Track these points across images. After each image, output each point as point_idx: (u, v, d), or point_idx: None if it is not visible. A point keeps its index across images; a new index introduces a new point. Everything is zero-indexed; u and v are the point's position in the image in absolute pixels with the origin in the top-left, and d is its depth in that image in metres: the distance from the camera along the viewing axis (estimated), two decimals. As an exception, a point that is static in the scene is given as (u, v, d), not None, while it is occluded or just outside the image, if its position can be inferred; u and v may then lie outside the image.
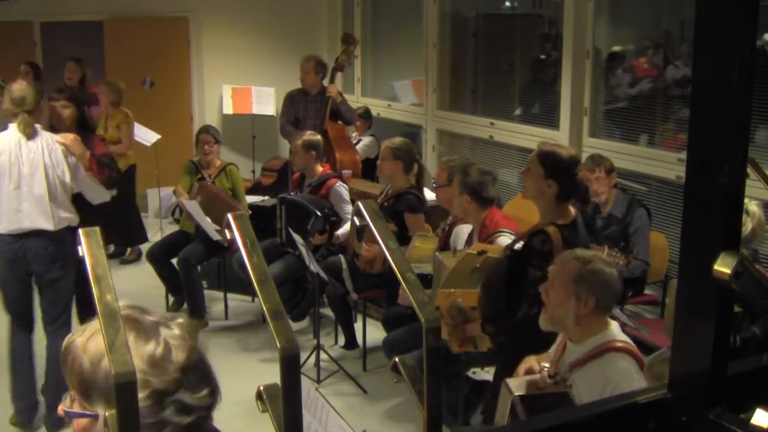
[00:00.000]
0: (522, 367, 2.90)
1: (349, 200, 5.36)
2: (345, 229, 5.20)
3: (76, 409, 1.28)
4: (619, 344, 2.67)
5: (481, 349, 3.31)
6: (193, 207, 5.43)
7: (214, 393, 1.28)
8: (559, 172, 3.21)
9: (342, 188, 5.36)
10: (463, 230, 4.25)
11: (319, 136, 5.58)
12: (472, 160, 6.31)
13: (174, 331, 1.27)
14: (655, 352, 2.94)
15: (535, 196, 3.34)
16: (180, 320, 1.32)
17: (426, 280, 4.02)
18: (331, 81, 6.66)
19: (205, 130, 5.80)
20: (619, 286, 2.76)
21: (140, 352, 1.24)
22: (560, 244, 3.13)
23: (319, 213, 5.03)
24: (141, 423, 1.21)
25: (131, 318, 1.27)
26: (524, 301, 3.15)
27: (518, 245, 3.35)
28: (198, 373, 1.26)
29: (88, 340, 1.28)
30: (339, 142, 6.49)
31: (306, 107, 6.55)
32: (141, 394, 1.21)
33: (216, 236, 5.37)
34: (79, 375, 1.26)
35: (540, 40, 6.68)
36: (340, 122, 6.62)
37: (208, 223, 5.35)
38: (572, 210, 3.31)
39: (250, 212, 5.73)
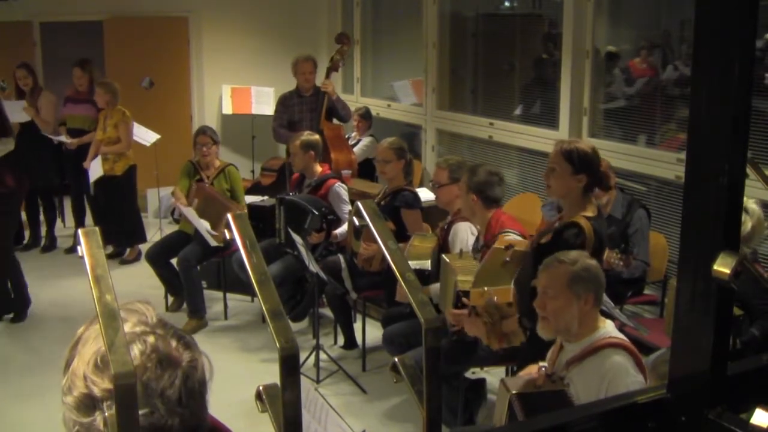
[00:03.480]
0: (523, 373, 2.92)
1: (348, 200, 5.36)
2: (343, 228, 5.20)
3: None
4: (614, 340, 2.69)
5: (515, 343, 3.35)
6: (190, 213, 5.44)
7: (158, 415, 1.21)
8: (587, 165, 3.29)
9: (341, 188, 5.37)
10: (461, 228, 4.26)
11: (317, 136, 5.58)
12: (471, 160, 6.34)
13: (134, 345, 1.22)
14: (656, 352, 2.95)
15: (564, 193, 3.39)
16: (151, 339, 1.25)
17: (423, 276, 4.04)
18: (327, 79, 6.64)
19: (203, 131, 5.77)
20: (604, 274, 2.84)
21: (92, 349, 1.23)
22: (592, 235, 3.20)
23: (315, 211, 5.03)
24: (75, 421, 1.20)
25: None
26: None
27: (543, 240, 3.38)
28: (141, 392, 1.19)
29: (83, 329, 1.28)
30: (335, 142, 6.48)
31: (301, 108, 6.53)
32: (76, 392, 1.20)
33: (213, 242, 5.37)
34: (66, 354, 1.28)
35: (539, 40, 6.68)
36: (335, 121, 6.60)
37: (204, 229, 5.36)
38: (594, 202, 3.39)
39: (245, 205, 5.75)
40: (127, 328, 1.25)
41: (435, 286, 4.06)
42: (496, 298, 3.22)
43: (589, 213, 3.30)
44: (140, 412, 1.19)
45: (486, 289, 3.26)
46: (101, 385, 1.19)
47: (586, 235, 3.19)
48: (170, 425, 1.22)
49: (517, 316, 3.23)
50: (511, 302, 3.21)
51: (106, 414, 1.18)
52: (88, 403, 1.20)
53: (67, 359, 1.26)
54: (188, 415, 1.24)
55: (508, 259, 3.33)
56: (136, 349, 1.23)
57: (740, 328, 3.37)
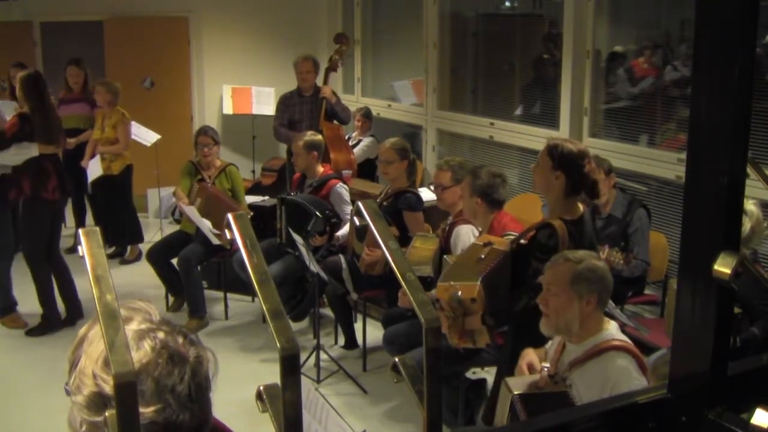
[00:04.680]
0: (523, 362, 2.89)
1: (349, 201, 5.36)
2: (345, 230, 5.20)
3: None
4: (617, 343, 2.68)
5: (480, 344, 3.32)
6: (192, 212, 5.44)
7: (170, 411, 1.22)
8: (566, 164, 3.26)
9: (342, 189, 5.36)
10: (464, 231, 4.25)
11: (320, 136, 5.58)
12: (472, 160, 6.34)
13: (144, 341, 1.24)
14: (657, 353, 2.95)
15: (544, 189, 3.39)
16: (161, 335, 1.26)
17: (425, 283, 4.02)
18: (325, 82, 6.66)
19: (204, 131, 5.78)
20: (612, 278, 2.81)
21: (100, 347, 1.24)
22: (566, 238, 3.16)
23: (319, 214, 5.02)
24: (83, 419, 1.22)
25: (124, 318, 1.27)
26: (525, 293, 3.17)
27: (523, 240, 3.36)
28: (152, 388, 1.21)
29: (86, 329, 1.29)
30: (334, 142, 6.49)
31: (302, 109, 6.53)
32: (86, 391, 1.21)
33: (215, 240, 5.37)
34: (69, 356, 1.29)
35: (539, 40, 6.68)
36: (335, 122, 6.61)
37: (207, 228, 5.36)
38: (580, 206, 3.36)
39: (251, 213, 5.74)
40: (134, 325, 1.26)
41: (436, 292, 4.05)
42: (460, 293, 3.16)
43: (568, 216, 3.27)
44: (153, 408, 1.21)
45: (451, 283, 3.20)
46: (111, 382, 1.20)
47: (559, 238, 3.15)
48: (181, 420, 1.23)
49: (479, 314, 3.17)
50: (475, 298, 3.14)
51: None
52: (99, 402, 1.21)
53: (73, 359, 1.27)
54: (197, 410, 1.26)
55: (483, 256, 3.29)
56: (146, 345, 1.24)
57: (739, 327, 3.37)
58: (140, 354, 1.24)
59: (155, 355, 1.24)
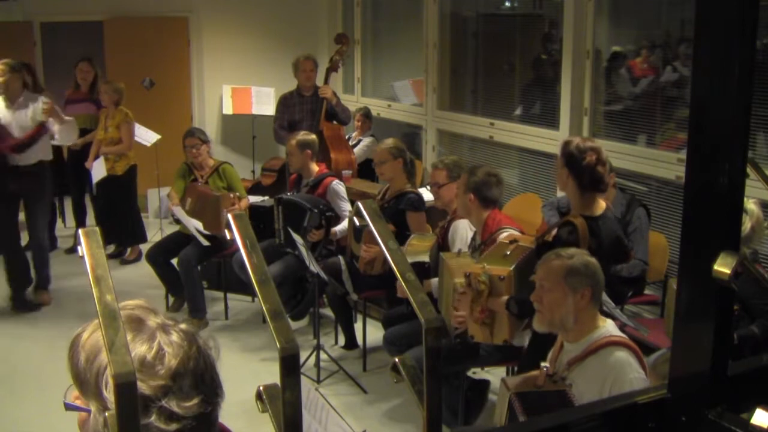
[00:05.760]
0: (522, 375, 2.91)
1: (346, 198, 5.37)
2: (343, 226, 5.20)
3: (75, 401, 1.29)
4: (615, 338, 2.69)
5: (496, 340, 3.35)
6: (180, 212, 5.45)
7: (207, 401, 1.24)
8: (569, 160, 3.35)
9: (339, 186, 5.37)
10: (461, 225, 4.25)
11: (313, 135, 5.58)
12: (472, 160, 6.34)
13: (172, 336, 1.25)
14: (656, 352, 2.95)
15: (563, 187, 3.50)
16: (183, 326, 1.28)
17: (423, 269, 4.04)
18: (326, 82, 6.66)
19: (190, 134, 5.77)
20: (603, 274, 2.84)
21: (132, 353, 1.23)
22: (586, 235, 3.21)
23: (313, 209, 5.03)
24: None
25: (135, 317, 1.27)
26: None
27: (548, 237, 3.39)
28: (191, 381, 1.23)
29: (89, 336, 1.28)
30: (334, 142, 6.49)
31: (302, 109, 6.53)
32: None
33: (204, 241, 5.38)
34: (75, 369, 1.27)
35: (539, 40, 6.68)
36: (335, 122, 6.61)
37: (194, 227, 5.36)
38: (602, 203, 3.41)
39: (247, 196, 5.75)
40: (152, 322, 1.27)
41: (435, 281, 4.07)
42: (492, 270, 3.27)
43: (588, 213, 3.32)
44: (196, 400, 1.21)
45: (485, 266, 3.32)
46: (150, 382, 1.20)
47: (579, 234, 3.20)
48: (211, 411, 1.25)
49: (505, 297, 3.24)
50: (503, 277, 3.23)
51: (165, 404, 1.19)
52: (140, 404, 1.21)
53: (95, 370, 1.25)
54: (220, 399, 1.28)
55: (508, 252, 3.37)
56: (176, 338, 1.25)
57: (737, 324, 3.37)
58: (174, 348, 1.24)
59: (187, 348, 1.25)
